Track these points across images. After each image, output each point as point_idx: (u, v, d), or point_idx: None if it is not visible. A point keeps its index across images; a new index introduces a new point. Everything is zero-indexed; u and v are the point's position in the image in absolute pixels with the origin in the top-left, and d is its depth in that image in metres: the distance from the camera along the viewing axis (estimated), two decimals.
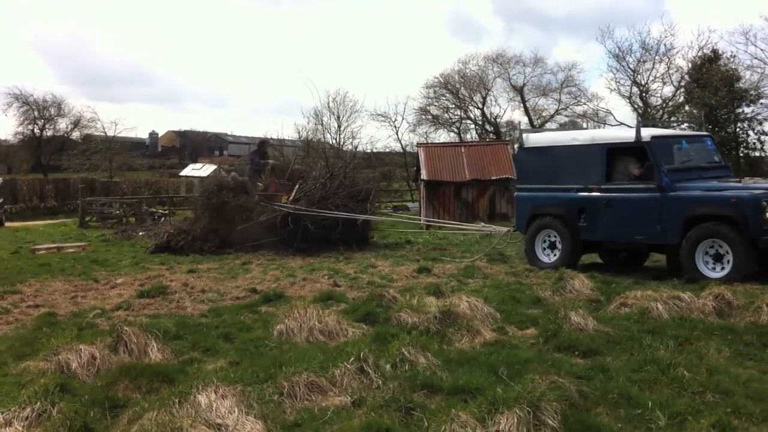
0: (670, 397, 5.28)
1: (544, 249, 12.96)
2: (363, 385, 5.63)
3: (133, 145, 64.59)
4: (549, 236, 12.90)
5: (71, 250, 17.61)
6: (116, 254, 16.45)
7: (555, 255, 12.76)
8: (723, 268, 10.58)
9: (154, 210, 29.07)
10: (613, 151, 12.14)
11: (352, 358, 5.87)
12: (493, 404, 4.70)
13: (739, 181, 11.81)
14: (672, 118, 35.89)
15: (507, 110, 65.87)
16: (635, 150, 11.84)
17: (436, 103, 52.07)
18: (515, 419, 4.52)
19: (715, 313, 8.08)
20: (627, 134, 12.65)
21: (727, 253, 10.54)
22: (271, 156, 18.85)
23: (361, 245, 16.19)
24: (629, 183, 11.94)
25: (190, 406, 4.75)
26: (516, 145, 15.18)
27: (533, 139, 13.85)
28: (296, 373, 5.54)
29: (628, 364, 6.20)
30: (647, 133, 11.91)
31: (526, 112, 51.08)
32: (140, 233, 21.64)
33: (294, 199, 16.30)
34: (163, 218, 26.92)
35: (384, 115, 51.36)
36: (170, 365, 6.33)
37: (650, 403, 5.12)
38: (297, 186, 16.72)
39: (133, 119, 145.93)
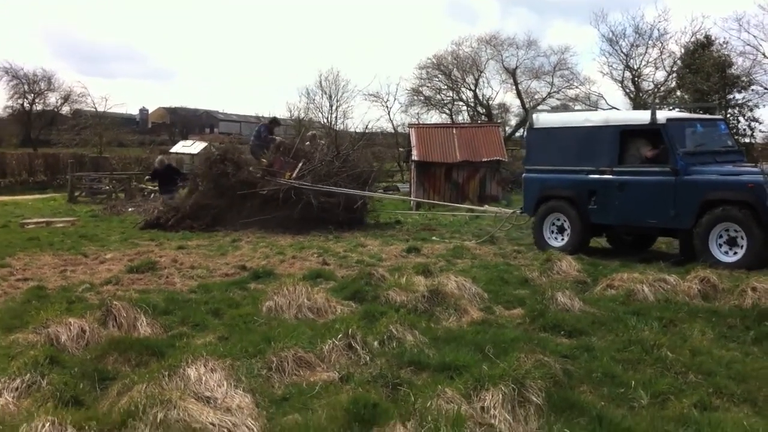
0: (653, 377, 5.35)
1: (553, 232, 12.79)
2: (351, 361, 5.68)
3: (124, 121, 64.15)
4: (558, 219, 12.72)
5: (60, 224, 17.58)
6: (105, 230, 16.42)
7: (563, 239, 12.58)
8: (736, 253, 10.53)
9: (144, 186, 28.98)
10: (627, 134, 11.97)
11: (340, 335, 5.92)
12: (478, 381, 4.75)
13: (755, 166, 11.61)
14: (663, 103, 36.02)
15: (499, 92, 65.94)
16: (649, 133, 11.73)
17: (429, 84, 52.08)
18: (500, 396, 4.58)
19: (700, 295, 8.16)
20: (641, 116, 12.38)
21: (742, 238, 10.47)
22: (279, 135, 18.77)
23: (357, 226, 16.19)
24: (643, 166, 11.77)
25: (180, 379, 4.79)
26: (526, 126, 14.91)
27: (544, 120, 13.66)
28: (285, 348, 5.59)
29: (613, 344, 6.29)
30: (662, 115, 11.79)
31: (519, 94, 51.13)
32: (129, 209, 21.58)
33: (298, 177, 16.29)
34: (152, 194, 26.87)
35: (376, 95, 51.38)
36: (159, 340, 6.37)
37: (633, 382, 5.20)
38: (301, 164, 16.71)
39: (124, 95, 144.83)
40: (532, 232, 13.38)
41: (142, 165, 37.77)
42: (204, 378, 4.79)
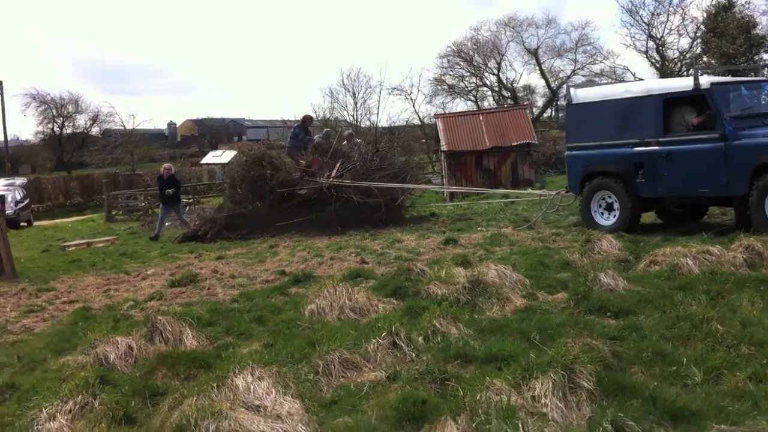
0: (704, 352, 5.26)
1: (602, 211, 12.50)
2: (396, 359, 5.67)
3: (153, 137, 64.93)
4: (605, 197, 12.41)
5: (100, 244, 17.84)
6: (145, 246, 16.63)
7: (614, 216, 12.28)
8: None
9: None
10: (670, 102, 11.66)
11: (384, 333, 5.91)
12: (527, 370, 4.72)
13: None
14: (690, 70, 35.50)
15: (523, 74, 65.47)
16: (693, 99, 11.46)
17: (451, 73, 52.03)
18: (550, 383, 4.53)
19: (746, 265, 8.04)
20: (683, 83, 12.07)
21: None
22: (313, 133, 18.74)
23: (394, 222, 16.13)
24: (690, 134, 11.43)
25: (228, 389, 4.81)
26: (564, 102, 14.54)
27: (582, 95, 13.31)
28: (330, 351, 5.59)
29: (661, 321, 6.19)
30: (706, 80, 11.44)
31: (542, 74, 50.85)
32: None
33: (337, 176, 16.33)
34: (188, 207, 27.11)
35: (400, 89, 51.28)
36: (206, 351, 6.41)
37: (685, 359, 5.12)
38: (339, 163, 16.76)
39: (151, 111, 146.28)
40: (579, 212, 13.14)
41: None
42: (252, 387, 4.80)
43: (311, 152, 17.37)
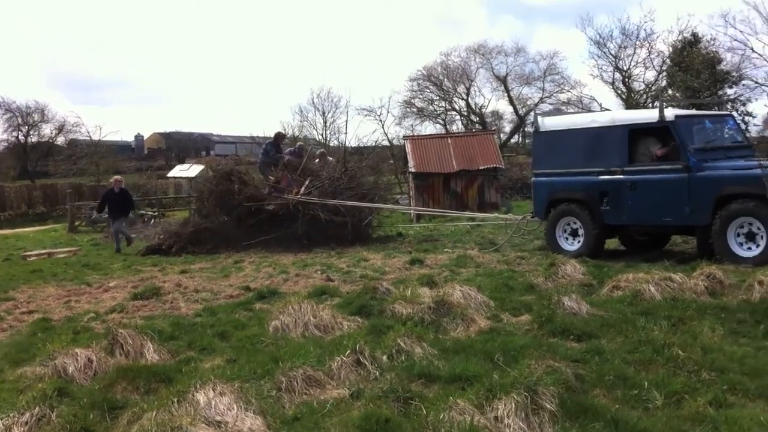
0: (666, 377, 5.32)
1: (566, 237, 12.66)
2: (360, 377, 5.65)
3: (119, 149, 64.34)
4: (570, 223, 12.57)
5: (62, 255, 17.56)
6: (108, 258, 16.40)
7: (578, 242, 12.44)
8: (758, 246, 10.37)
9: (144, 212, 28.96)
10: (635, 132, 11.84)
11: (348, 351, 5.89)
12: (490, 391, 4.73)
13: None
14: (655, 102, 36.11)
15: (491, 100, 66.08)
16: (657, 131, 11.61)
17: (421, 96, 52.39)
18: (513, 404, 4.55)
19: (707, 292, 8.16)
20: (649, 115, 12.33)
21: (759, 230, 10.33)
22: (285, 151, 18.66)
23: (360, 241, 16.10)
24: (654, 164, 11.62)
25: (189, 404, 4.75)
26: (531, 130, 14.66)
27: (549, 123, 13.45)
28: (293, 367, 5.56)
29: (623, 345, 6.26)
30: (671, 112, 11.68)
31: (511, 101, 51.40)
32: (132, 235, 21.57)
33: (305, 193, 16.33)
34: (153, 220, 26.87)
35: (369, 110, 51.51)
36: (167, 365, 6.33)
37: (646, 383, 5.17)
38: (308, 181, 16.74)
39: (118, 122, 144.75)
40: (544, 237, 13.26)
41: (140, 191, 37.82)
42: (213, 402, 4.76)
43: (281, 169, 17.35)
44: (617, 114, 14.83)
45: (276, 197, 16.36)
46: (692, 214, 11.06)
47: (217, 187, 16.77)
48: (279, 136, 19.30)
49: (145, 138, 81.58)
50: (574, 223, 12.49)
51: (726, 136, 12.33)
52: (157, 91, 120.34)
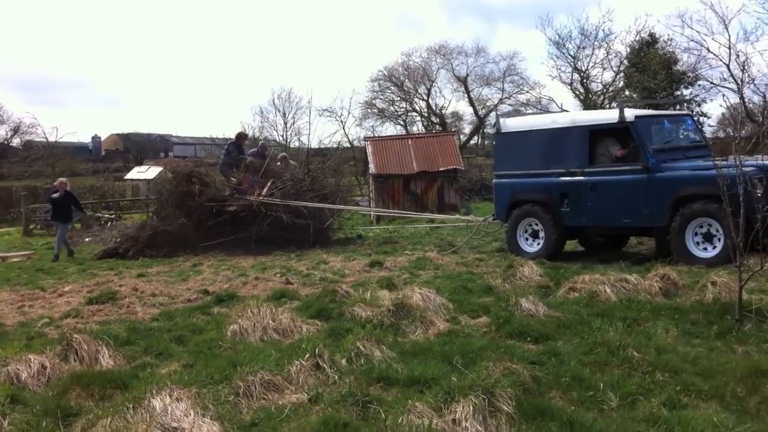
0: (621, 378, 5.38)
1: (527, 238, 12.64)
2: (319, 381, 5.63)
3: (76, 150, 63.44)
4: (531, 224, 12.56)
5: (16, 259, 17.27)
6: (62, 262, 16.16)
7: (538, 243, 12.45)
8: (715, 248, 10.42)
9: (100, 215, 28.60)
10: (595, 133, 11.86)
11: (307, 355, 5.87)
12: (448, 393, 4.74)
13: (725, 159, 11.68)
14: (613, 103, 36.59)
15: (452, 101, 66.39)
16: (617, 131, 11.65)
17: (382, 97, 52.46)
18: (471, 407, 4.57)
19: (661, 293, 8.26)
20: (609, 115, 12.33)
21: (718, 231, 10.38)
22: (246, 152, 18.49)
23: (321, 244, 16.05)
24: (614, 165, 11.65)
25: (145, 410, 4.70)
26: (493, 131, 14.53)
27: (511, 124, 13.38)
28: (251, 372, 5.52)
29: (579, 347, 6.32)
30: (630, 113, 11.69)
31: (471, 102, 51.71)
32: (87, 239, 21.29)
33: (268, 195, 16.23)
34: (109, 223, 26.54)
35: (330, 110, 51.44)
36: (123, 371, 6.25)
37: (602, 384, 5.23)
38: (270, 182, 16.67)
39: (75, 123, 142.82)
40: (504, 239, 13.28)
41: (97, 194, 37.31)
42: (170, 408, 4.70)
43: (243, 170, 17.26)
44: (577, 115, 14.86)
45: (238, 198, 16.23)
46: (650, 216, 11.12)
47: (177, 188, 16.56)
48: (241, 136, 19.15)
49: (102, 139, 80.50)
50: (536, 224, 12.50)
51: (684, 136, 12.42)
52: (115, 91, 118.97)
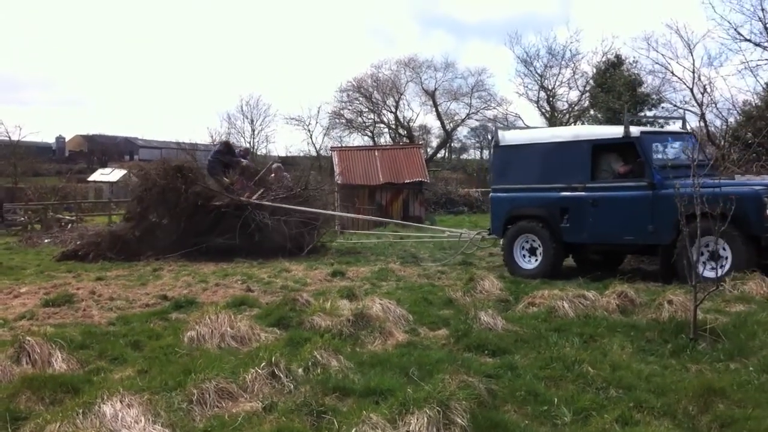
0: (575, 393, 5.42)
1: (524, 254, 12.31)
2: (274, 390, 5.59)
3: (39, 150, 62.49)
4: (528, 240, 12.26)
5: None
6: (20, 262, 15.88)
7: (536, 260, 12.14)
8: (723, 266, 10.11)
9: (61, 216, 28.19)
10: (598, 148, 11.60)
11: (263, 363, 5.82)
12: (403, 405, 4.74)
13: (733, 178, 11.40)
14: (578, 122, 37.03)
15: (420, 114, 66.79)
16: (619, 147, 11.46)
17: (350, 107, 52.68)
18: (425, 419, 4.57)
19: (618, 310, 8.33)
20: (613, 131, 11.98)
21: (725, 249, 10.15)
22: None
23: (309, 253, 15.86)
24: (617, 181, 11.42)
25: (95, 416, 4.63)
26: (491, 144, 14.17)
27: (510, 137, 13.08)
28: (206, 379, 5.46)
29: (536, 361, 6.35)
30: (636, 129, 11.47)
31: (438, 115, 52.01)
32: (46, 240, 20.97)
33: (258, 199, 16.15)
34: (70, 225, 26.17)
35: (298, 119, 51.43)
36: (75, 376, 6.15)
37: (556, 399, 5.26)
38: (261, 191, 16.63)
39: (39, 123, 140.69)
40: (501, 256, 12.94)
41: (59, 195, 36.82)
42: (120, 414, 4.64)
43: (238, 172, 17.26)
44: (580, 129, 14.69)
45: (226, 197, 16.03)
46: (655, 233, 10.85)
47: (163, 181, 15.85)
48: (229, 144, 19.59)
49: (66, 140, 79.58)
50: (533, 240, 12.22)
51: (686, 154, 12.22)
52: (80, 92, 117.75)
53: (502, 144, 12.88)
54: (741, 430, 4.57)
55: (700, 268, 10.00)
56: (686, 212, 9.07)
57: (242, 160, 18.09)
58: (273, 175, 18.34)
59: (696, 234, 9.72)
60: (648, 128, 12.44)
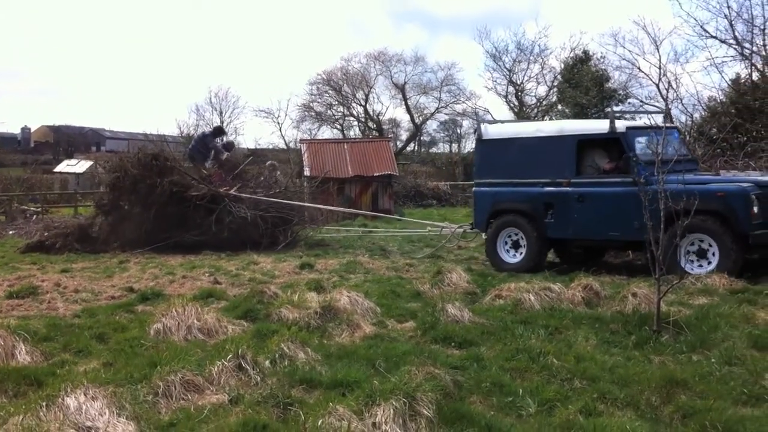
0: (540, 385, 5.47)
1: (508, 249, 12.16)
2: (241, 383, 5.58)
3: (4, 141, 61.80)
4: (512, 235, 12.12)
5: None
6: None
7: (519, 254, 12.01)
8: (710, 263, 10.08)
9: (26, 208, 27.83)
10: (584, 143, 11.52)
11: (230, 356, 5.80)
12: (370, 397, 4.75)
13: (717, 174, 11.38)
14: (546, 117, 37.29)
15: (389, 108, 66.70)
16: (603, 142, 11.40)
17: (320, 100, 52.57)
18: (391, 410, 4.59)
19: (583, 303, 8.39)
20: (599, 125, 11.92)
21: (711, 246, 10.10)
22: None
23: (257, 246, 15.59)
24: (602, 176, 11.33)
25: (58, 409, 4.59)
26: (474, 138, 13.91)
27: (493, 131, 12.95)
28: (172, 372, 5.43)
29: (502, 353, 6.39)
30: (622, 124, 11.35)
31: (408, 109, 52.04)
32: (11, 232, 20.71)
33: (234, 193, 16.02)
34: (35, 216, 25.85)
35: (267, 111, 51.23)
36: (39, 368, 6.09)
37: (521, 390, 5.31)
38: (239, 185, 16.51)
39: (4, 113, 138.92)
40: (484, 250, 12.81)
41: (24, 186, 36.33)
42: (84, 407, 4.60)
43: (217, 165, 17.14)
44: (565, 123, 14.29)
45: (203, 187, 15.79)
46: (641, 229, 10.33)
47: (137, 169, 15.61)
48: (220, 130, 19.38)
49: (32, 130, 78.54)
50: (516, 234, 12.11)
51: (672, 149, 12.23)
52: (46, 82, 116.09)
53: (485, 138, 12.74)
54: (703, 421, 4.63)
55: (688, 266, 10.09)
56: (673, 208, 9.10)
57: (224, 151, 17.93)
58: (267, 173, 18.31)
59: (675, 231, 9.47)
60: (635, 123, 12.27)
